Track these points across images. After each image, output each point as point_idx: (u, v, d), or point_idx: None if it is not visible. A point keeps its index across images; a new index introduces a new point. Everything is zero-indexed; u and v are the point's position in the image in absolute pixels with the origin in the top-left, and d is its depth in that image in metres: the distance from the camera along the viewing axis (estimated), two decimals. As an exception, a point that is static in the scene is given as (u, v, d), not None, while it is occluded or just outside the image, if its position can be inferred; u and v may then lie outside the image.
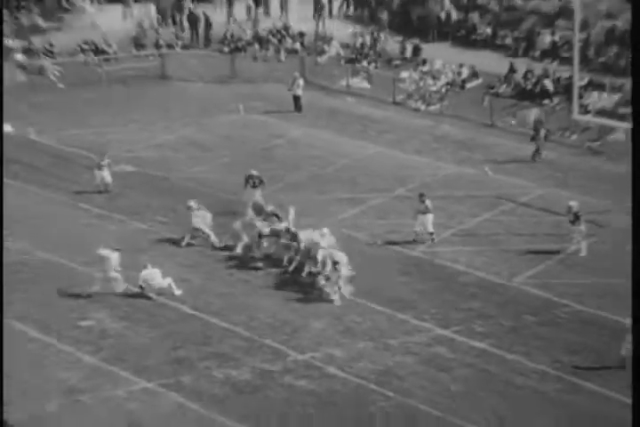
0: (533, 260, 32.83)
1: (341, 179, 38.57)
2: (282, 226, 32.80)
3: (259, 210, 34.28)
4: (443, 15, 54.03)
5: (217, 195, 36.73)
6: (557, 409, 25.50)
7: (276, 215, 33.92)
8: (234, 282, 31.69)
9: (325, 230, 32.07)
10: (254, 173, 36.41)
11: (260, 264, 32.46)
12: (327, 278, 30.74)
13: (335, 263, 30.56)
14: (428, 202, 33.54)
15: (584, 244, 32.98)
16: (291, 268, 32.03)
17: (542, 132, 40.83)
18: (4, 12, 52.57)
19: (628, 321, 26.22)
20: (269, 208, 34.67)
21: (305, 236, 32.23)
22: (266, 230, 32.81)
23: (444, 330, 28.99)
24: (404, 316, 29.74)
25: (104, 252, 30.99)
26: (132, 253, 31.70)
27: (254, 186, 36.16)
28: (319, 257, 31.32)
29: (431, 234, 33.73)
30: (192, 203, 34.04)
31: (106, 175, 37.38)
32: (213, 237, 33.86)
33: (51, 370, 27.14)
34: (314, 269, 31.57)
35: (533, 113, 43.67)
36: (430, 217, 33.60)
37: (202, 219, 33.89)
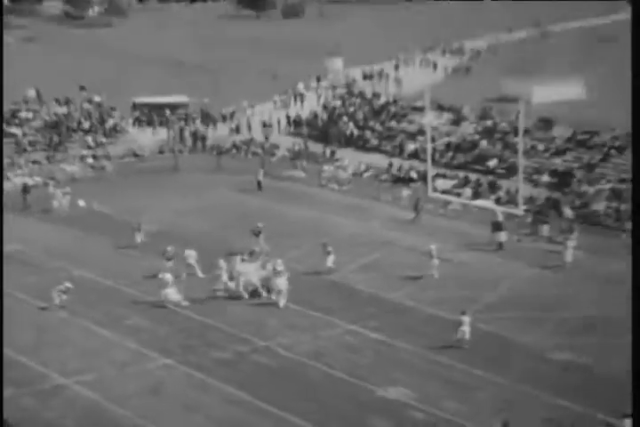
0: (406, 282, 32.71)
1: (287, 232, 38.31)
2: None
3: (251, 253, 33.33)
4: (349, 132, 54.46)
5: (213, 243, 36.22)
6: (424, 374, 25.74)
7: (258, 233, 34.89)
8: (219, 298, 31.33)
9: (279, 261, 31.45)
10: (260, 225, 35.87)
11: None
12: (268, 291, 30.74)
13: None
14: (329, 247, 33.44)
15: (436, 271, 32.97)
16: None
17: (420, 206, 40.67)
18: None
19: (460, 317, 27.16)
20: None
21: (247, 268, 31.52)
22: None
23: (352, 325, 28.97)
24: (327, 317, 29.68)
25: (166, 275, 30.71)
26: (156, 279, 31.36)
27: (256, 234, 35.66)
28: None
29: (333, 267, 33.29)
30: (169, 248, 33.15)
31: (141, 235, 36.85)
32: (198, 270, 32.95)
33: (108, 352, 27.01)
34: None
35: (405, 192, 43.97)
36: (332, 257, 33.27)
37: (187, 257, 32.94)
